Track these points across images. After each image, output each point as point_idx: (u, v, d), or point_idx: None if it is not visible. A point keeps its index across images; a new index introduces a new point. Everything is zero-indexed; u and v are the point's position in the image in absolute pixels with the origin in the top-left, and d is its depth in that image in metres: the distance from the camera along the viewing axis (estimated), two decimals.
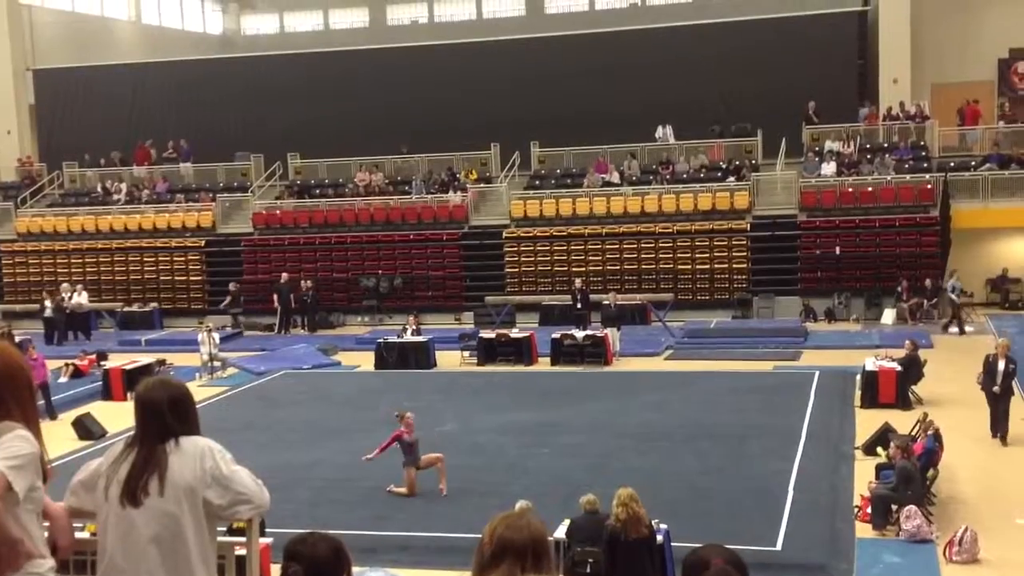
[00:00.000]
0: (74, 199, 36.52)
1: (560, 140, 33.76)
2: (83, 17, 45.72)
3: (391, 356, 24.59)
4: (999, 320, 27.34)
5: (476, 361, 24.72)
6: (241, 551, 4.05)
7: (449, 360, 24.94)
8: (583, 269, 29.98)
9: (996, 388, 16.36)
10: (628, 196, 30.94)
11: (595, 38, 37.60)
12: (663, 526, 11.46)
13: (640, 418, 18.90)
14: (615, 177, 32.09)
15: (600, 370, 23.52)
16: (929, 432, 14.47)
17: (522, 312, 29.35)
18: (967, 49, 33.38)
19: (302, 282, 30.72)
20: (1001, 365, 16.51)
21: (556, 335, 24.58)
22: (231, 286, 31.59)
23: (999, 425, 16.51)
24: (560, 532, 11.43)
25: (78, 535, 3.97)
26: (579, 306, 26.23)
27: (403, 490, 14.71)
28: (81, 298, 30.94)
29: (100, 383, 22.68)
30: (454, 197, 32.33)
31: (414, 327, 25.52)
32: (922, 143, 31.45)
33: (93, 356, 25.21)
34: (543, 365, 24.31)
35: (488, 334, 25.29)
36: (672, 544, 11.32)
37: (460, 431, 18.49)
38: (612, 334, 24.69)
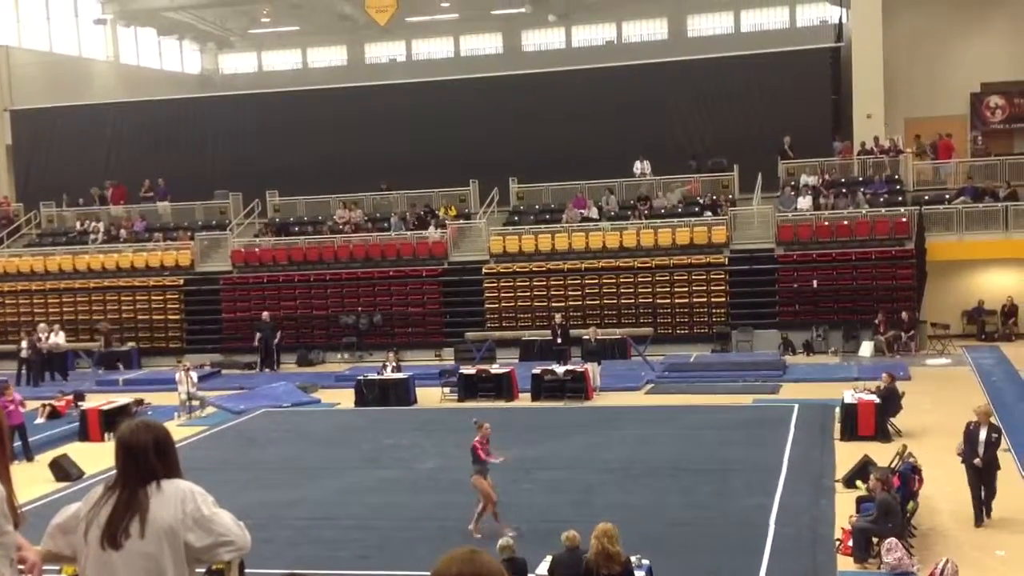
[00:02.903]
0: (51, 239, 36.38)
1: (538, 176, 33.93)
2: (61, 58, 45.80)
3: (371, 393, 24.51)
4: (975, 351, 27.54)
5: (457, 397, 24.66)
6: None
7: (429, 397, 24.88)
8: (563, 304, 30.05)
9: (978, 460, 13.99)
10: (607, 231, 31.07)
11: (572, 75, 37.93)
12: (645, 561, 11.45)
13: (622, 453, 18.88)
14: (593, 212, 32.24)
15: (581, 405, 23.50)
16: (910, 460, 14.53)
17: (502, 348, 29.31)
18: (939, 84, 33.83)
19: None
20: (983, 434, 14.09)
21: (537, 370, 24.56)
22: (100, 326, 31.41)
23: (983, 507, 14.03)
24: (542, 568, 11.39)
25: None
26: (559, 341, 26.23)
27: (479, 508, 14.30)
28: (58, 338, 30.74)
29: (77, 424, 22.48)
30: (433, 233, 32.39)
31: (394, 364, 25.47)
32: (896, 177, 31.77)
33: (70, 397, 25.02)
34: (524, 400, 24.27)
35: (468, 370, 25.26)
36: None
37: (441, 468, 18.41)
38: (593, 369, 24.71)
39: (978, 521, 13.97)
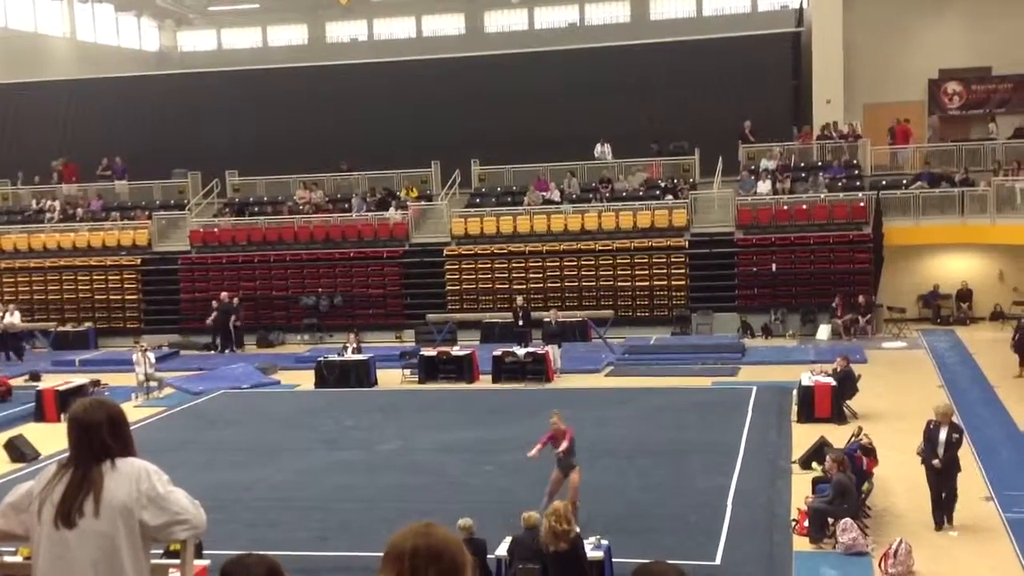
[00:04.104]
0: (6, 217, 35.84)
1: (500, 158, 33.86)
2: (16, 33, 45.07)
3: (331, 374, 24.42)
4: (930, 335, 27.92)
5: (417, 379, 24.64)
6: (176, 573, 4.00)
7: (390, 378, 24.84)
8: (524, 287, 30.06)
9: (937, 462, 13.33)
10: (568, 214, 31.09)
11: (534, 57, 37.88)
12: (604, 542, 11.53)
13: (581, 435, 18.76)
14: (555, 195, 32.25)
15: (541, 387, 23.56)
16: (864, 440, 14.72)
17: (463, 330, 29.32)
18: (898, 70, 34.10)
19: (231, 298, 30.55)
20: (943, 434, 13.43)
21: (497, 352, 24.58)
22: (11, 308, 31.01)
23: (942, 510, 13.38)
24: (501, 549, 11.45)
25: (9, 559, 3.91)
26: (520, 323, 26.27)
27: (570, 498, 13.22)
28: (13, 318, 30.35)
29: (32, 404, 22.22)
30: (394, 215, 32.27)
31: (355, 345, 25.39)
32: (855, 162, 32.03)
33: (7, 377, 24.79)
34: (484, 382, 24.29)
35: (429, 352, 25.21)
36: (613, 560, 11.39)
37: (401, 449, 18.43)
38: (553, 351, 24.76)
39: (938, 525, 13.30)
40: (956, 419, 14.20)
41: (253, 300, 31.62)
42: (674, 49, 36.40)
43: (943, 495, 13.40)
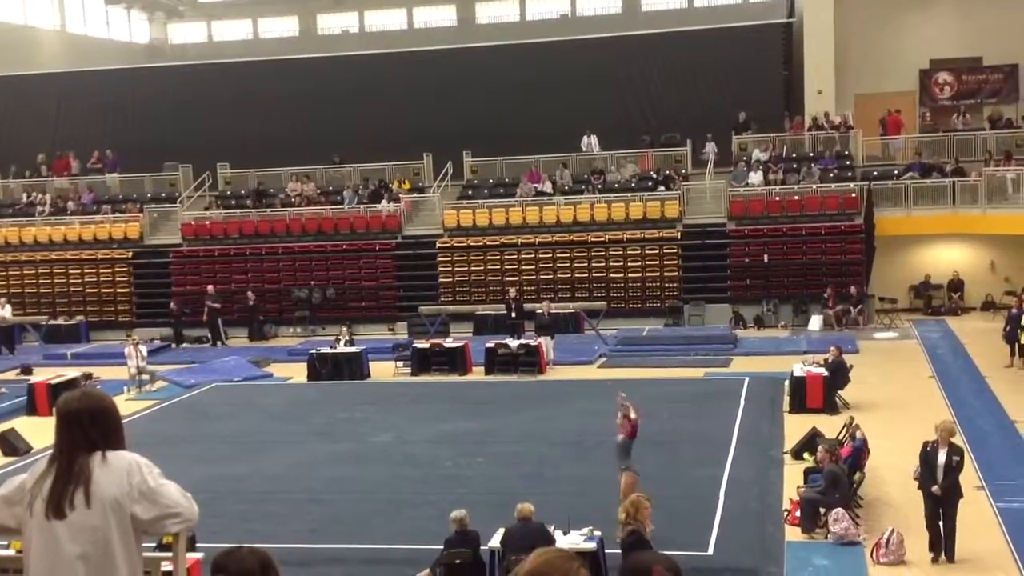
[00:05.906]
0: None
1: (492, 150, 33.81)
2: (6, 26, 44.82)
3: (324, 367, 24.41)
4: (922, 325, 27.99)
5: (410, 371, 24.64)
6: (168, 566, 4.01)
7: (383, 370, 24.84)
8: (517, 278, 30.07)
9: (936, 488, 12.01)
10: (560, 206, 31.10)
11: (526, 48, 37.83)
12: (597, 533, 11.56)
13: (574, 426, 18.97)
14: (547, 187, 32.23)
15: (534, 379, 23.58)
16: (857, 435, 14.77)
17: (456, 322, 29.31)
18: (889, 60, 34.12)
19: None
20: (942, 456, 12.08)
21: (490, 344, 24.60)
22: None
23: (941, 540, 12.03)
24: (495, 541, 11.47)
25: (2, 553, 3.91)
26: (513, 315, 26.28)
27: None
28: (4, 311, 30.28)
29: (24, 398, 22.18)
30: (387, 207, 32.23)
31: (347, 338, 25.39)
32: (846, 152, 32.06)
33: None
34: (477, 374, 24.32)
35: (422, 344, 25.23)
36: (606, 551, 11.42)
37: (395, 441, 18.44)
38: (546, 343, 24.78)
39: (936, 558, 12.00)
40: (957, 439, 12.90)
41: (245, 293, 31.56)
42: (665, 40, 36.38)
43: (941, 526, 12.05)
